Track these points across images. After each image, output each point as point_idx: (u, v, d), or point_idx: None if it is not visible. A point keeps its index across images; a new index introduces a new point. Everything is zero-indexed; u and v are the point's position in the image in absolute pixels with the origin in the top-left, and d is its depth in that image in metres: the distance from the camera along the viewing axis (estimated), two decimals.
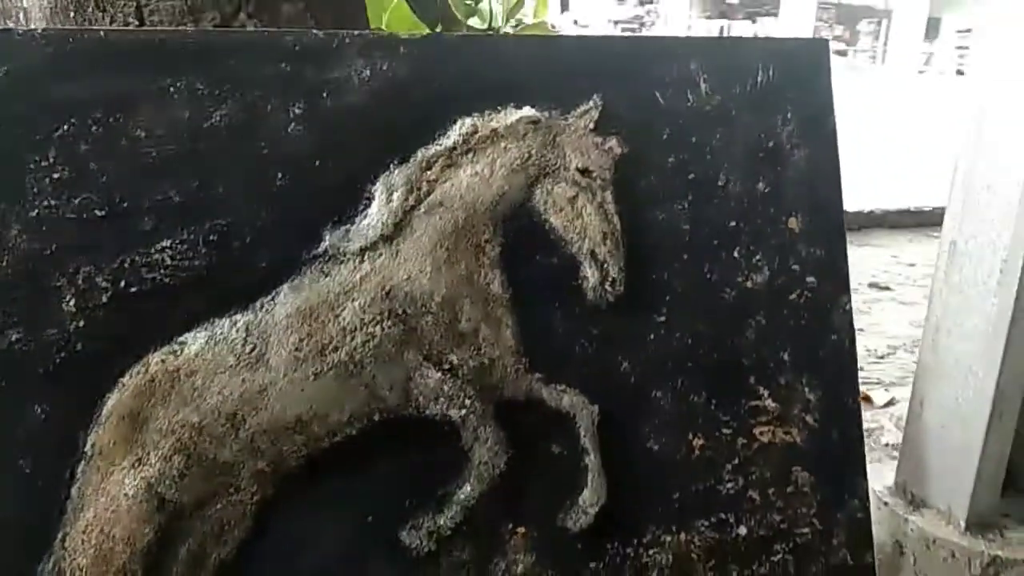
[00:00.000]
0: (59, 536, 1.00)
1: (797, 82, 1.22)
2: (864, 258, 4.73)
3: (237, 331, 1.04)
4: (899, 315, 3.72)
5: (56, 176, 1.03)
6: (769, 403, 1.17)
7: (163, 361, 1.03)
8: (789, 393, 1.18)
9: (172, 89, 1.07)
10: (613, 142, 1.15)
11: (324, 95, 1.10)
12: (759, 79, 1.21)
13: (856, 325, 3.74)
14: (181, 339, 1.04)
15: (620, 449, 1.13)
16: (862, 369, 2.98)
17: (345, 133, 1.10)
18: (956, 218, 1.24)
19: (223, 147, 1.07)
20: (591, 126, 1.15)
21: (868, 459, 2.00)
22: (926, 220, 5.67)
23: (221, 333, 1.04)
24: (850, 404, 1.20)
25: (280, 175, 1.08)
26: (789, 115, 1.21)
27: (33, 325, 1.02)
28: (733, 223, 1.19)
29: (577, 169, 1.13)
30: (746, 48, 1.22)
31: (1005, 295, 1.12)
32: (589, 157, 1.14)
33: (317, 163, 1.09)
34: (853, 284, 4.20)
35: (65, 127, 1.04)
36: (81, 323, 1.02)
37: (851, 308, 1.21)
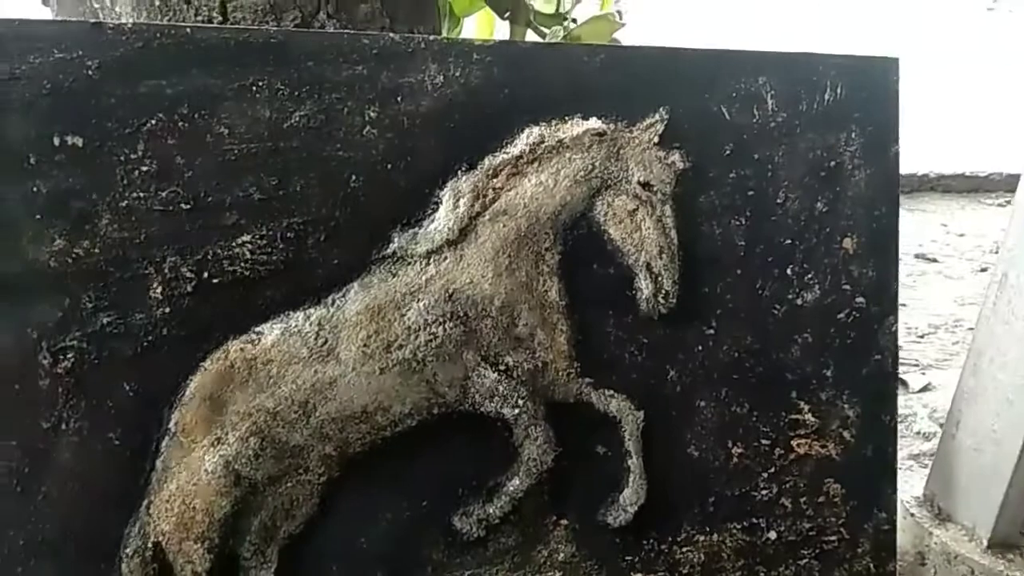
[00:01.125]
0: (144, 503, 1.10)
1: (865, 101, 1.22)
2: (912, 225, 4.64)
3: (310, 325, 1.11)
4: (944, 290, 3.68)
5: (144, 169, 1.09)
6: (809, 417, 1.22)
7: (242, 349, 1.10)
8: (829, 409, 1.23)
9: (254, 88, 1.11)
10: (676, 156, 1.18)
11: (398, 99, 1.13)
12: (827, 96, 1.21)
13: (900, 301, 3.70)
14: (258, 329, 1.11)
15: (662, 453, 1.19)
16: (900, 348, 2.98)
17: (416, 138, 1.14)
18: (1011, 251, 1.25)
19: (301, 147, 1.11)
20: (655, 139, 1.17)
21: (899, 457, 2.04)
22: (981, 186, 5.52)
23: (295, 326, 1.11)
24: (887, 422, 1.24)
25: (354, 177, 1.12)
26: (854, 135, 1.22)
27: (123, 309, 1.09)
28: (788, 241, 1.21)
29: (639, 183, 1.16)
30: (816, 64, 1.22)
31: None
32: (651, 171, 1.17)
33: (389, 166, 1.13)
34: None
35: (153, 121, 1.09)
36: (167, 309, 1.10)
37: (897, 328, 1.24)
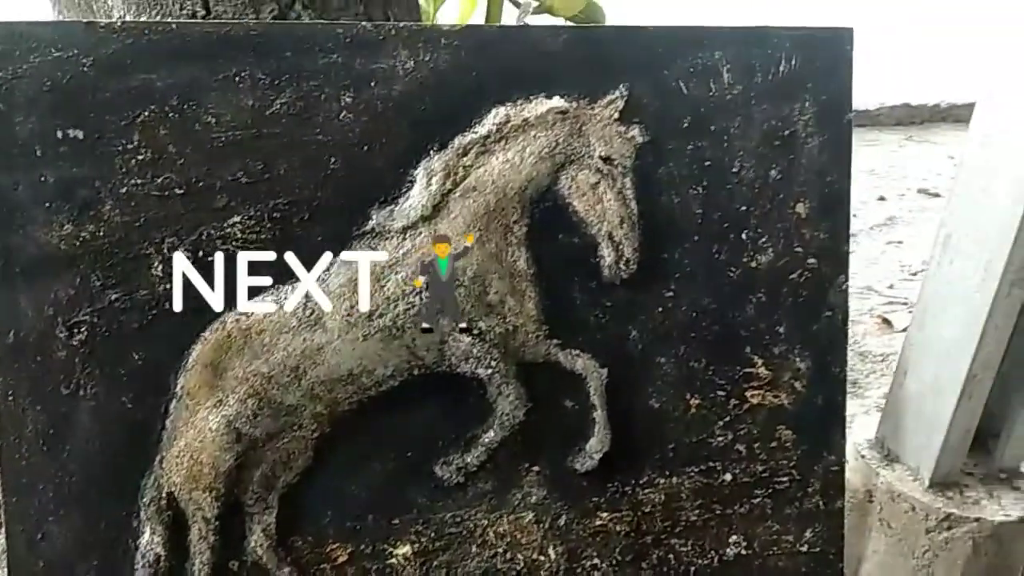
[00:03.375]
0: (157, 459, 1.23)
1: (819, 72, 1.27)
2: (919, 158, 4.63)
3: (298, 297, 1.21)
4: None
5: (140, 157, 1.19)
6: (762, 371, 1.32)
7: (237, 320, 1.21)
8: (781, 362, 1.32)
9: (237, 79, 1.19)
10: (635, 131, 1.25)
11: (372, 84, 1.21)
12: (781, 69, 1.27)
13: (896, 237, 3.74)
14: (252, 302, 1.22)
15: (625, 405, 1.29)
16: (891, 287, 3.05)
17: (390, 121, 1.21)
18: (954, 214, 1.31)
19: (283, 133, 1.20)
20: (616, 115, 1.24)
21: (873, 391, 2.14)
22: None
23: (285, 298, 1.21)
24: (837, 374, 1.33)
25: (333, 159, 1.21)
26: (807, 104, 1.28)
27: (128, 286, 1.20)
28: (743, 207, 1.29)
29: (600, 157, 1.24)
30: (771, 37, 1.27)
31: (985, 293, 1.21)
32: (612, 146, 1.24)
33: (365, 148, 1.22)
34: (901, 190, 4.18)
35: (146, 113, 1.18)
36: (168, 286, 1.21)
37: (847, 287, 1.32)
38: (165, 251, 1.20)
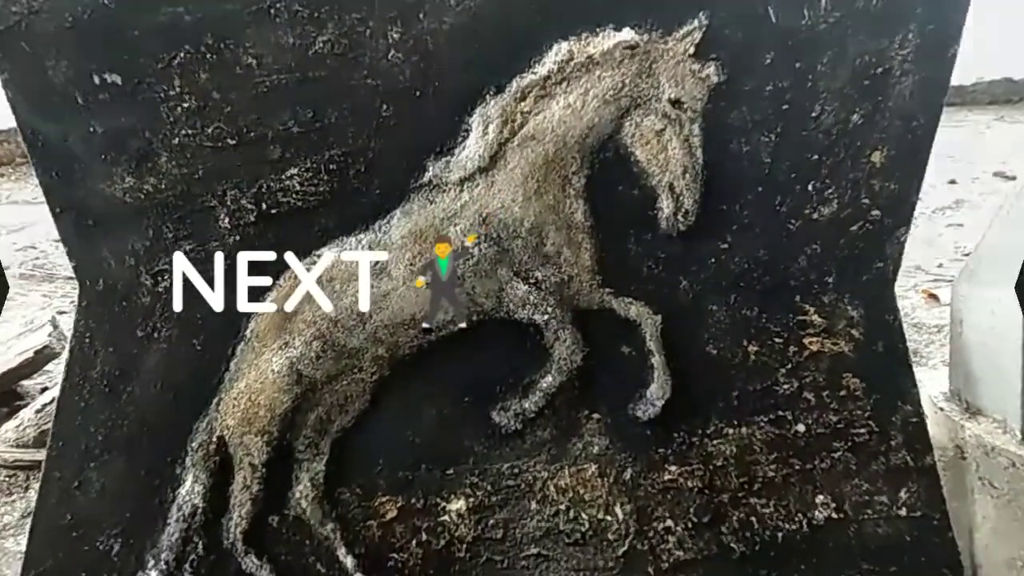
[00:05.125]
0: (214, 401, 1.25)
1: None
2: (999, 139, 4.11)
3: (362, 247, 1.20)
4: None
5: (185, 105, 1.14)
6: (815, 318, 1.25)
7: (307, 269, 1.20)
8: (833, 310, 1.25)
9: (272, 11, 1.11)
10: (711, 70, 1.14)
11: (420, 16, 1.11)
12: None
13: (958, 220, 3.42)
14: (318, 252, 1.20)
15: (682, 353, 1.25)
16: (940, 266, 2.84)
17: (442, 61, 1.13)
18: None
19: (329, 76, 1.13)
20: (691, 50, 1.13)
21: (935, 359, 2.02)
22: None
23: (350, 248, 1.20)
24: (891, 322, 1.26)
25: (384, 106, 1.15)
26: (910, 35, 1.14)
27: (201, 238, 1.19)
28: (816, 156, 1.18)
29: (669, 100, 1.14)
30: None
31: None
32: (683, 87, 1.14)
33: (417, 93, 1.14)
34: (977, 172, 3.82)
35: (182, 54, 1.12)
36: (237, 237, 1.19)
37: (905, 239, 1.22)
38: (229, 203, 1.17)
